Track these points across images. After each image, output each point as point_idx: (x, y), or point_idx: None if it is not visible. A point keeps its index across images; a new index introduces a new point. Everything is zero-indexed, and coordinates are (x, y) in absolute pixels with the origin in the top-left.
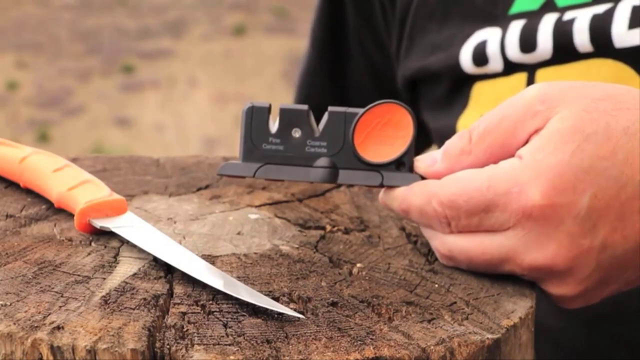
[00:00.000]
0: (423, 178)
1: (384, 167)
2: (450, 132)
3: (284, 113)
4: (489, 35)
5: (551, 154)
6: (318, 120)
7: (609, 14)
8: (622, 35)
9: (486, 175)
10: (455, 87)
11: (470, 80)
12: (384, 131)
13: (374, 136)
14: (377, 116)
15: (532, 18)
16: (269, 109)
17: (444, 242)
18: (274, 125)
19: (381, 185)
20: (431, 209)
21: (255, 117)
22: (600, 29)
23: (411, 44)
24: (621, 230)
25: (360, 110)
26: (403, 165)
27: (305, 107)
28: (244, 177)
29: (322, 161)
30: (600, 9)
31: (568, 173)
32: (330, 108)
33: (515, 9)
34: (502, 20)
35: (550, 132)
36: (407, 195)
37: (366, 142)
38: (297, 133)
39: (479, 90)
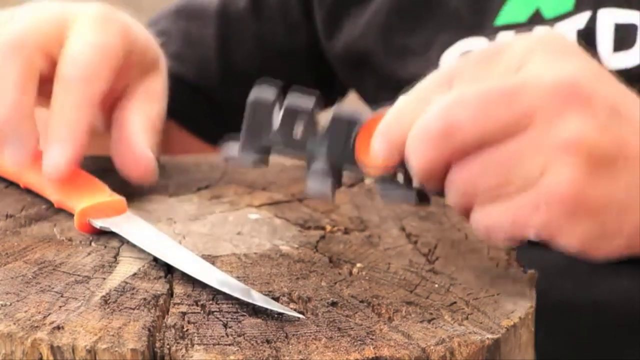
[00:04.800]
0: (419, 192)
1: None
2: None
3: (288, 109)
4: (476, 44)
5: None
6: None
7: (592, 32)
8: (607, 58)
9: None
10: None
11: None
12: None
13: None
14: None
15: (522, 31)
16: (273, 103)
17: None
18: (277, 119)
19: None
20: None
21: (259, 109)
22: (587, 47)
23: (386, 41)
24: None
25: (366, 115)
26: (402, 176)
27: (310, 106)
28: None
29: (321, 162)
30: (583, 18)
31: None
32: (335, 110)
33: (501, 20)
34: (487, 31)
35: None
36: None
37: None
38: (299, 130)
39: None
